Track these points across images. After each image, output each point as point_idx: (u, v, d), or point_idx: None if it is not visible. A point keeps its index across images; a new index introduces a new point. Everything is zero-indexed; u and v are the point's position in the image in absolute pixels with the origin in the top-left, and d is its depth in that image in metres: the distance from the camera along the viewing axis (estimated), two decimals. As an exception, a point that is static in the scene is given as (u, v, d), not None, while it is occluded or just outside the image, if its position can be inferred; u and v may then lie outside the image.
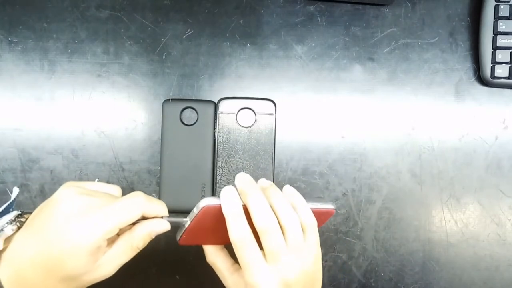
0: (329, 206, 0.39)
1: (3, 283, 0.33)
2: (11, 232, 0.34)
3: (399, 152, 0.53)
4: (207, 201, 0.36)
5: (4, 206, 0.36)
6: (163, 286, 0.52)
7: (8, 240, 0.34)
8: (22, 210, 0.36)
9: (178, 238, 0.39)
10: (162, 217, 0.37)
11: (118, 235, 0.35)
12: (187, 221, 0.37)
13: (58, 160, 0.52)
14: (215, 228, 0.38)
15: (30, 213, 0.36)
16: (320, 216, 0.38)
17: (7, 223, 0.34)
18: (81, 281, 0.34)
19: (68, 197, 0.34)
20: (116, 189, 0.39)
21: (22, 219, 0.35)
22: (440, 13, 0.54)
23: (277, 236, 0.35)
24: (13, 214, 0.35)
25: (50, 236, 0.33)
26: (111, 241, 0.35)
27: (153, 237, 0.36)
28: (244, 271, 0.35)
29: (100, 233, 0.33)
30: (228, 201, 0.36)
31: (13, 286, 0.33)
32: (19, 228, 0.34)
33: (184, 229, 0.38)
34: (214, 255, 0.40)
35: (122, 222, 0.34)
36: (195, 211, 0.37)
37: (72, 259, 0.32)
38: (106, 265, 0.34)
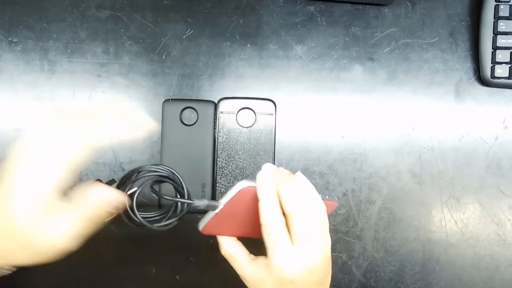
0: (333, 200, 0.40)
1: None
2: None
3: (399, 152, 0.53)
4: (246, 183, 0.36)
5: None
6: (163, 286, 0.52)
7: None
8: None
9: (202, 226, 0.39)
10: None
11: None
12: (217, 205, 0.37)
13: (58, 160, 0.51)
14: (242, 216, 0.38)
15: None
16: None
17: None
18: (37, 245, 0.29)
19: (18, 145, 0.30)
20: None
21: None
22: (440, 13, 0.54)
23: (306, 219, 0.36)
24: None
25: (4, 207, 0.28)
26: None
27: (111, 211, 0.32)
28: (269, 253, 0.35)
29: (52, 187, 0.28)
30: (265, 182, 0.36)
31: None
32: None
33: (214, 214, 0.37)
34: (230, 245, 0.40)
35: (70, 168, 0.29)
36: (232, 193, 0.36)
37: (6, 212, 0.28)
38: (54, 231, 0.29)
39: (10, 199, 0.28)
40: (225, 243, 0.40)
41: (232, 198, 0.36)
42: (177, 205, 0.38)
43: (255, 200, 0.36)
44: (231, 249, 0.40)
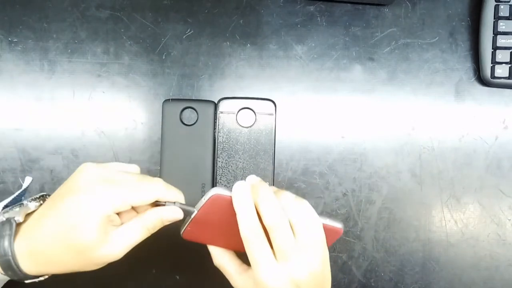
0: (337, 225, 0.37)
1: (19, 257, 0.34)
2: (34, 208, 0.36)
3: (399, 152, 0.53)
4: (217, 191, 0.36)
5: (16, 194, 0.38)
6: (163, 286, 0.52)
7: (29, 216, 0.36)
8: (46, 194, 0.38)
9: (182, 230, 0.39)
10: (174, 203, 0.38)
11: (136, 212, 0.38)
12: (193, 210, 0.37)
13: (58, 160, 0.52)
14: (222, 225, 0.37)
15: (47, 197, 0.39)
16: (327, 233, 0.37)
17: (32, 199, 0.36)
18: (94, 256, 0.35)
19: (86, 169, 0.36)
20: (134, 168, 0.40)
21: (46, 199, 0.37)
22: (440, 13, 0.54)
23: (287, 233, 0.35)
24: (38, 194, 0.38)
25: (66, 206, 0.34)
26: (126, 220, 0.37)
27: (166, 223, 0.38)
28: (253, 268, 0.35)
29: (111, 205, 0.34)
30: (240, 194, 0.35)
31: (30, 260, 0.35)
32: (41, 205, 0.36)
33: (190, 219, 0.37)
34: (220, 257, 0.40)
35: (134, 201, 0.35)
36: (204, 199, 0.36)
37: (84, 227, 0.34)
38: (117, 242, 0.35)
39: (82, 216, 0.34)
40: (216, 254, 0.40)
41: (203, 205, 0.37)
42: None
43: (231, 210, 0.35)
44: (222, 260, 0.40)
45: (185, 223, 0.38)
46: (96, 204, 0.34)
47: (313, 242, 0.35)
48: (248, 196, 0.35)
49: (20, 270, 0.35)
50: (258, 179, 0.38)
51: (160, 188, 0.37)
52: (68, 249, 0.34)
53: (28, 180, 0.41)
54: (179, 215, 0.38)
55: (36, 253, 0.35)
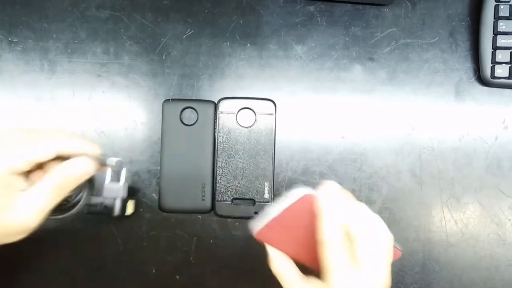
0: (398, 247, 0.36)
1: None
2: None
3: (399, 152, 0.53)
4: (305, 191, 0.34)
5: None
6: (163, 286, 0.52)
7: None
8: None
9: (257, 229, 0.36)
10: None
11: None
12: (271, 210, 0.35)
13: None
14: (297, 229, 0.35)
15: None
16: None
17: None
18: (3, 225, 0.32)
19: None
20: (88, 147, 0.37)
21: None
22: (440, 13, 0.54)
23: (372, 246, 0.33)
24: None
25: None
26: (31, 182, 0.34)
27: (78, 180, 0.35)
28: (330, 275, 0.33)
29: (2, 166, 0.32)
30: (330, 197, 0.34)
31: None
32: None
33: (271, 218, 0.35)
34: (282, 261, 0.37)
35: (28, 157, 0.33)
36: (291, 198, 0.34)
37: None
38: (22, 207, 0.32)
39: None
40: (277, 259, 0.37)
41: (290, 205, 0.34)
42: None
43: (312, 214, 0.34)
44: (283, 266, 0.36)
45: (261, 222, 0.35)
46: None
47: (388, 261, 0.34)
48: (337, 197, 0.34)
49: None
50: (339, 185, 0.36)
51: (59, 139, 0.34)
52: None
53: None
54: (89, 168, 0.35)
55: None
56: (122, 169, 0.45)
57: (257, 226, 0.36)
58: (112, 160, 0.41)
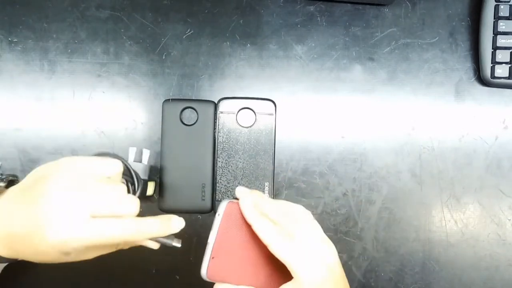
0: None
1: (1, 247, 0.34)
2: None
3: (399, 152, 0.53)
4: (228, 200, 0.38)
5: None
6: (163, 286, 0.52)
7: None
8: (15, 176, 0.37)
9: (204, 270, 0.38)
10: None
11: None
12: (209, 239, 0.38)
13: (58, 160, 0.51)
14: (242, 251, 0.38)
15: (15, 179, 0.37)
16: None
17: None
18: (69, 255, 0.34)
19: (61, 173, 0.34)
20: (115, 166, 0.37)
21: (1, 184, 0.35)
22: (440, 13, 0.54)
23: (294, 219, 0.39)
24: (5, 175, 0.36)
25: (31, 224, 0.33)
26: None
27: (142, 239, 0.38)
28: (294, 266, 0.36)
29: (73, 242, 0.33)
30: (249, 208, 0.38)
31: (6, 247, 0.34)
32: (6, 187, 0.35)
33: (211, 249, 0.37)
34: None
35: (102, 241, 0.34)
36: (219, 213, 0.38)
37: (42, 249, 0.33)
38: (77, 257, 0.34)
39: (50, 215, 0.32)
40: None
41: (222, 220, 0.38)
42: None
43: (244, 221, 0.37)
44: None
45: (204, 260, 0.38)
46: (67, 221, 0.32)
47: (321, 230, 0.40)
48: (254, 207, 0.38)
49: None
50: (248, 190, 0.40)
51: (137, 229, 0.35)
52: (33, 254, 0.34)
53: None
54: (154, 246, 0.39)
55: (11, 243, 0.34)
56: (145, 151, 0.49)
57: (203, 267, 0.38)
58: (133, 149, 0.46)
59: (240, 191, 0.39)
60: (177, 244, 0.38)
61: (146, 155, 0.50)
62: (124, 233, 0.34)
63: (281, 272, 0.38)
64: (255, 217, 0.37)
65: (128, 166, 0.45)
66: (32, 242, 0.33)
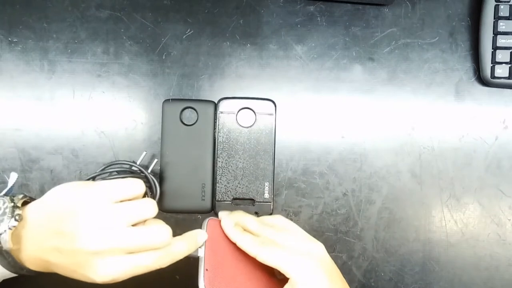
0: None
1: (32, 265, 0.36)
2: (12, 230, 0.35)
3: (399, 152, 0.53)
4: (207, 219, 0.42)
5: (3, 193, 0.37)
6: (163, 286, 0.52)
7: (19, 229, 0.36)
8: (13, 198, 0.37)
9: (202, 283, 0.39)
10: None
11: None
12: (200, 256, 0.39)
13: (58, 160, 0.51)
14: (232, 262, 0.40)
15: (28, 199, 0.38)
16: None
17: (6, 217, 0.35)
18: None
19: (93, 223, 0.35)
20: (138, 186, 0.39)
21: (19, 212, 0.36)
22: (440, 13, 0.54)
23: (287, 233, 0.42)
24: (7, 207, 0.35)
25: (70, 261, 0.35)
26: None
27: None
28: (285, 268, 0.37)
29: (116, 279, 0.36)
30: (230, 227, 0.41)
31: (39, 266, 0.37)
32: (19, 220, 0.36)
33: (203, 263, 0.39)
34: None
35: (139, 273, 0.37)
36: (204, 229, 0.40)
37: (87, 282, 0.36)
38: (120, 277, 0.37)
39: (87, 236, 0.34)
40: None
41: (208, 237, 0.40)
42: None
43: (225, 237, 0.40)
44: None
45: (200, 277, 0.39)
46: (99, 275, 0.35)
47: (305, 233, 0.42)
48: (234, 224, 0.41)
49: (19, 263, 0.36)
50: (227, 211, 0.44)
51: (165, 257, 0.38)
52: (67, 269, 0.36)
53: (13, 177, 0.40)
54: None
55: (39, 262, 0.36)
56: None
57: (200, 280, 0.39)
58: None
59: (220, 214, 0.43)
60: (199, 254, 0.40)
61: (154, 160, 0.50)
62: (157, 264, 0.37)
63: (278, 279, 0.39)
64: (237, 234, 0.40)
65: (147, 174, 0.47)
66: (73, 275, 0.36)
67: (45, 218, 0.36)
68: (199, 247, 0.40)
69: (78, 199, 0.36)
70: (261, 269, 0.40)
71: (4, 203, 0.36)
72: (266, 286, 0.40)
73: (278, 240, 0.39)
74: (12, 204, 0.36)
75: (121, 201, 0.37)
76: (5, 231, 0.34)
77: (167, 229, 0.37)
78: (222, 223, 0.41)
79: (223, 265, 0.40)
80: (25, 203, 0.38)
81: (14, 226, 0.34)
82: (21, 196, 0.38)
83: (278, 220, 0.43)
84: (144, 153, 0.48)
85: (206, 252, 0.40)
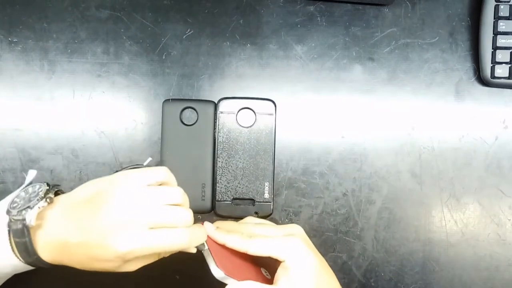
0: None
1: (46, 252, 0.36)
2: (41, 208, 0.36)
3: (399, 152, 0.53)
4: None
5: (21, 188, 0.37)
6: (163, 286, 0.52)
7: (44, 213, 0.36)
8: (49, 184, 0.38)
9: (215, 268, 0.39)
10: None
11: None
12: (204, 248, 0.40)
13: (58, 160, 0.52)
14: (240, 256, 0.41)
15: (59, 189, 0.39)
16: None
17: (37, 199, 0.36)
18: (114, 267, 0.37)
19: (125, 199, 0.36)
20: (163, 173, 0.39)
21: (51, 195, 0.37)
22: (440, 13, 0.54)
23: (263, 227, 0.43)
24: (41, 189, 0.37)
25: (93, 235, 0.35)
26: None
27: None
28: (269, 254, 0.39)
29: (137, 251, 0.35)
30: (217, 233, 0.41)
31: (54, 253, 0.36)
32: (49, 203, 0.36)
33: (208, 251, 0.39)
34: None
35: (160, 250, 0.36)
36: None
37: (106, 258, 0.36)
38: (132, 265, 0.38)
39: (114, 230, 0.35)
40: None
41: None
42: None
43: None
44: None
45: (209, 258, 0.40)
46: (120, 247, 0.35)
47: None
48: (219, 230, 0.41)
49: (37, 255, 0.36)
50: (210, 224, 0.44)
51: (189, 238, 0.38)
52: (89, 262, 0.37)
53: (32, 174, 0.40)
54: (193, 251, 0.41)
55: (63, 254, 0.36)
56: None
57: (213, 267, 0.40)
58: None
59: (205, 223, 0.43)
60: (217, 274, 0.40)
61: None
62: (179, 242, 0.37)
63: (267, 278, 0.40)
64: (224, 235, 0.41)
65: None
66: (93, 251, 0.35)
67: (74, 202, 0.37)
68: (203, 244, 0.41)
69: (109, 182, 0.37)
70: (253, 266, 0.42)
71: (40, 186, 0.37)
72: (261, 279, 0.40)
73: (260, 232, 0.41)
74: (48, 188, 0.37)
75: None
76: (32, 208, 0.35)
77: (190, 212, 0.38)
78: (207, 229, 0.41)
79: (228, 257, 0.41)
80: (58, 194, 0.39)
81: (43, 206, 0.35)
82: (58, 186, 0.39)
83: (250, 218, 0.46)
84: (150, 159, 0.48)
85: (208, 243, 0.41)
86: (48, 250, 0.36)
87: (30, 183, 0.39)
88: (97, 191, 0.36)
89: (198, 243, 0.39)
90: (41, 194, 0.36)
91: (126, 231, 0.35)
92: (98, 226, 0.35)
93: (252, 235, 0.40)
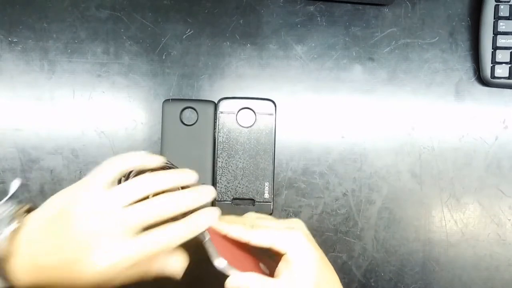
0: None
1: (23, 276, 0.33)
2: (11, 232, 0.33)
3: (399, 152, 0.53)
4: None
5: (3, 201, 0.35)
6: (163, 286, 0.52)
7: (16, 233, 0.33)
8: (26, 206, 0.35)
9: (217, 258, 0.38)
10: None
11: None
12: (204, 239, 0.38)
13: (58, 160, 0.52)
14: (241, 247, 0.40)
15: (30, 207, 0.35)
16: None
17: (7, 222, 0.33)
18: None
19: (88, 209, 0.33)
20: (158, 161, 0.37)
21: (21, 216, 0.34)
22: (440, 13, 0.54)
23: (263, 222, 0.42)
24: (7, 211, 0.34)
25: (68, 253, 0.32)
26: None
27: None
28: (271, 245, 0.38)
29: (121, 263, 0.32)
30: (219, 223, 0.40)
31: (32, 277, 0.33)
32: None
33: (209, 241, 0.38)
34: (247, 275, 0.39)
35: (151, 253, 0.34)
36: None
37: (89, 277, 0.32)
38: (119, 281, 0.34)
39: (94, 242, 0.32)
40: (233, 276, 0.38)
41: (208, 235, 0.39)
42: None
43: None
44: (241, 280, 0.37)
45: (212, 249, 0.38)
46: (107, 244, 0.32)
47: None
48: (220, 221, 0.40)
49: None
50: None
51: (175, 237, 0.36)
52: (73, 278, 0.33)
53: (15, 185, 0.38)
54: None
55: (39, 274, 0.33)
56: None
57: (215, 258, 0.38)
58: None
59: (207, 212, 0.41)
60: (220, 264, 0.38)
61: None
62: (172, 238, 0.34)
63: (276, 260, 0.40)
64: (227, 226, 0.39)
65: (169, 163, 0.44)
66: (71, 272, 0.32)
67: (43, 220, 0.34)
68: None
69: (72, 193, 0.35)
70: (252, 259, 0.41)
71: (10, 206, 0.34)
72: (260, 273, 0.40)
73: (260, 224, 0.41)
74: (17, 209, 0.34)
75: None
76: (1, 234, 0.32)
77: (179, 195, 0.36)
78: (209, 219, 0.39)
79: (229, 248, 0.40)
80: (30, 210, 0.36)
81: (13, 230, 0.33)
82: (27, 204, 0.36)
83: (250, 214, 0.45)
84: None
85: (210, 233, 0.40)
86: (25, 274, 0.33)
87: (12, 196, 0.36)
88: (62, 206, 0.33)
89: (198, 232, 0.37)
90: (10, 215, 0.33)
91: (100, 244, 0.32)
92: (71, 244, 0.32)
93: (254, 226, 0.40)
